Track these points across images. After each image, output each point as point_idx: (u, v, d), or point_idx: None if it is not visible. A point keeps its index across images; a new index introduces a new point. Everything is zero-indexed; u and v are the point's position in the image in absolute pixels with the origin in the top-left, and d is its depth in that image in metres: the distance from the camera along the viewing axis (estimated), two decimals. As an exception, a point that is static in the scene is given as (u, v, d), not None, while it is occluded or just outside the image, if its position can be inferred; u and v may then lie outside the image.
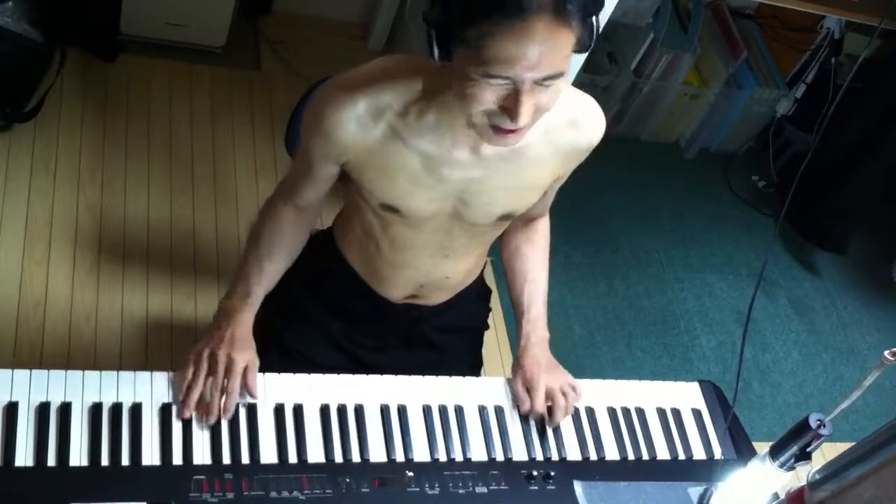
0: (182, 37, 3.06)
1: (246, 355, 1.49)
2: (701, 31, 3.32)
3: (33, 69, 2.77)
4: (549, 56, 1.20)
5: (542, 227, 1.76)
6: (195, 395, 1.43)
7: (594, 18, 1.23)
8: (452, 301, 1.76)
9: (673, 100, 3.47)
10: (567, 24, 1.19)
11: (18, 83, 2.72)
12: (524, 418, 1.59)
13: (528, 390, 1.61)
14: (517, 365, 1.65)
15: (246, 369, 1.48)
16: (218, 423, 1.43)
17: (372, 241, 1.62)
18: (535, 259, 1.73)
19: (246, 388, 1.48)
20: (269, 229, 1.61)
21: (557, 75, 1.24)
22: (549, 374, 1.63)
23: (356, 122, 1.41)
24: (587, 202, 3.25)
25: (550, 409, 1.61)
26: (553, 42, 1.19)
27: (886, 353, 1.19)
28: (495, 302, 2.75)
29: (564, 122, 1.47)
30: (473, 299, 1.85)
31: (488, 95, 1.25)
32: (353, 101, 1.40)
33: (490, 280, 1.89)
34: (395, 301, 1.71)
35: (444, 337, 1.82)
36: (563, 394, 1.61)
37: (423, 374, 1.61)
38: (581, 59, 2.38)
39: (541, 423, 1.61)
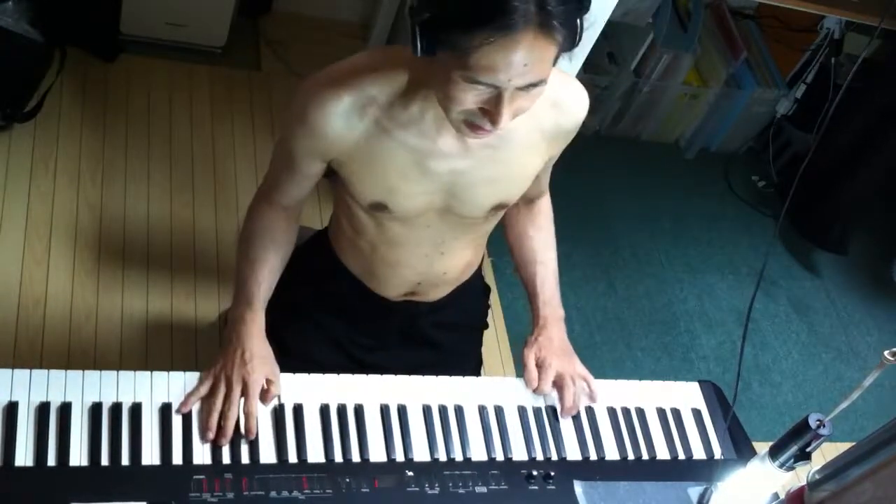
0: (182, 37, 3.06)
1: (264, 370, 1.48)
2: (701, 31, 3.32)
3: (33, 69, 2.77)
4: (533, 66, 1.22)
5: (545, 208, 1.76)
6: (214, 418, 1.42)
7: (578, 21, 1.24)
8: (451, 296, 1.76)
9: (673, 100, 3.47)
10: (551, 36, 1.20)
11: (18, 83, 2.72)
12: (524, 417, 1.59)
13: (539, 368, 1.62)
14: (532, 341, 1.66)
15: (268, 382, 1.48)
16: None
17: (364, 240, 1.62)
18: (541, 240, 1.74)
19: (265, 401, 1.47)
20: (258, 234, 1.60)
21: (540, 82, 1.26)
22: (561, 359, 1.64)
23: (342, 118, 1.40)
24: (587, 202, 3.25)
25: (561, 394, 1.62)
26: (538, 53, 1.21)
27: (886, 353, 1.19)
28: (495, 301, 2.75)
29: (548, 105, 1.46)
30: (473, 296, 1.85)
31: (470, 98, 1.26)
32: (337, 96, 1.39)
33: (490, 279, 1.89)
34: (392, 299, 1.71)
35: (443, 334, 1.81)
36: (573, 381, 1.62)
37: (423, 373, 1.61)
38: (580, 61, 2.38)
39: (554, 413, 1.62)
